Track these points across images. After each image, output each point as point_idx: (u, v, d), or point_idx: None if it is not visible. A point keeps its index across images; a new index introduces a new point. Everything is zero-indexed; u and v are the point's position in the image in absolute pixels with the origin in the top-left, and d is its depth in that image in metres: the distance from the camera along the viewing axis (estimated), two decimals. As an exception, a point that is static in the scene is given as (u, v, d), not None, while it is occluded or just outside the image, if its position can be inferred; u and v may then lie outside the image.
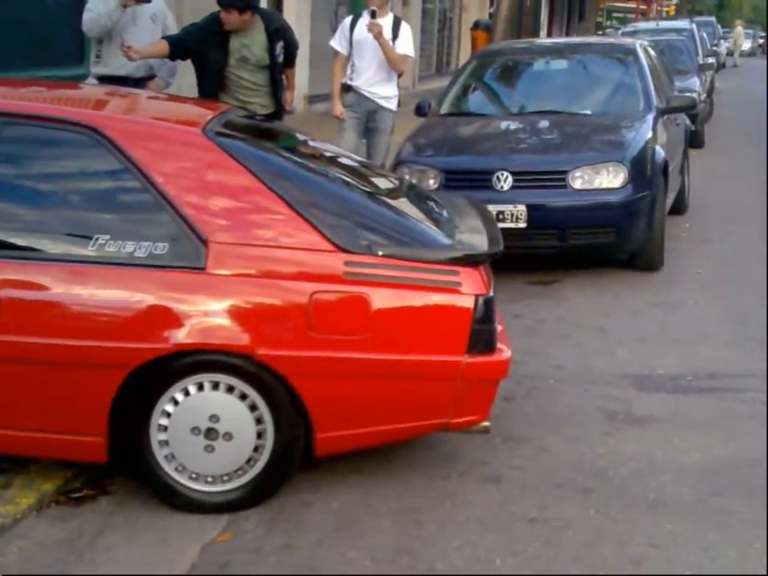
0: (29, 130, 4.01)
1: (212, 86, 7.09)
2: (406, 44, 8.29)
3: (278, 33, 7.28)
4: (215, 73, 7.08)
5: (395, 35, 8.20)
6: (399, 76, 8.50)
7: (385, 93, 8.32)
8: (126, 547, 3.71)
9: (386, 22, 8.17)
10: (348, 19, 8.61)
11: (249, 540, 3.78)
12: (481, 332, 3.89)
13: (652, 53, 9.86)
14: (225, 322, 3.77)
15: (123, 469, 4.05)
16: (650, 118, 8.17)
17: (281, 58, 7.27)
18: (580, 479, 4.26)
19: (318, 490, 4.11)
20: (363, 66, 8.27)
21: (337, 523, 3.90)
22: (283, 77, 7.43)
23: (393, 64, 8.21)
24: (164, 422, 3.87)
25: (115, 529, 3.83)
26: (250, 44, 7.12)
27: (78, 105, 4.61)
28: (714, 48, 24.64)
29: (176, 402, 3.86)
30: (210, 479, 3.93)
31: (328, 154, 4.85)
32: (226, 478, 3.94)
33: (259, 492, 3.97)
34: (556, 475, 4.30)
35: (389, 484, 4.19)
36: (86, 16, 7.07)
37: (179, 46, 7.06)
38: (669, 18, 37.90)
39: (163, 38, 7.18)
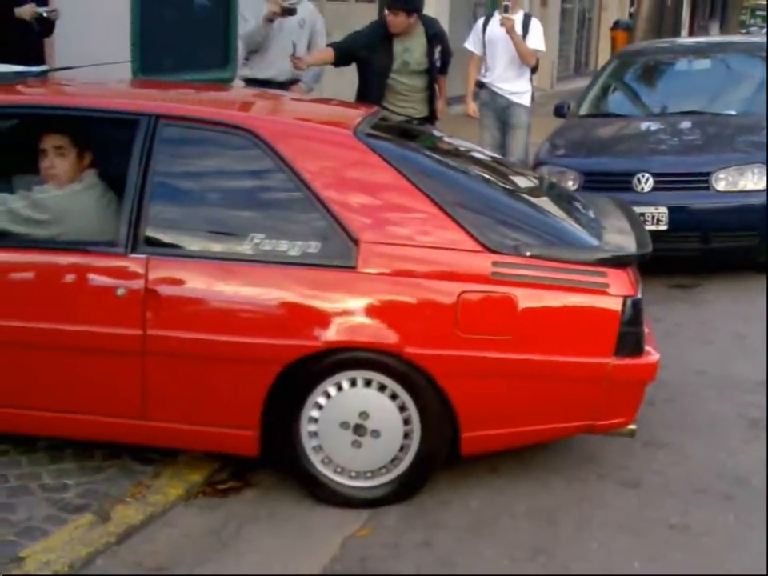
0: (187, 132, 4.11)
1: (377, 91, 7.23)
2: (537, 39, 8.38)
3: (437, 37, 7.47)
4: (380, 77, 7.24)
5: (525, 31, 8.31)
6: (533, 72, 8.58)
7: (515, 88, 8.42)
8: (269, 538, 3.81)
9: (516, 17, 8.30)
10: (480, 20, 8.83)
11: (388, 535, 3.83)
12: (629, 334, 3.87)
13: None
14: (374, 320, 3.83)
15: (268, 462, 4.15)
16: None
17: (438, 63, 7.45)
18: (721, 486, 4.21)
19: (457, 490, 4.14)
20: (495, 63, 8.43)
21: (475, 522, 3.92)
22: (435, 86, 7.56)
23: (524, 58, 8.29)
24: (315, 414, 3.95)
25: (259, 520, 3.93)
26: (411, 48, 7.29)
27: (234, 107, 4.73)
28: None
29: (328, 396, 3.94)
30: (353, 474, 4.00)
31: (469, 153, 4.88)
32: (369, 474, 4.00)
33: (401, 491, 4.02)
34: (697, 481, 4.25)
35: (526, 484, 4.20)
36: (243, 30, 7.36)
37: (345, 54, 7.26)
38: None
39: (329, 45, 7.41)
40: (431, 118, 7.52)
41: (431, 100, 7.50)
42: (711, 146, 7.67)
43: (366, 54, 7.23)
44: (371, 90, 7.25)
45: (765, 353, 5.79)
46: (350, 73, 7.70)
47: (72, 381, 4.03)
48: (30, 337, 3.99)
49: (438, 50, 7.43)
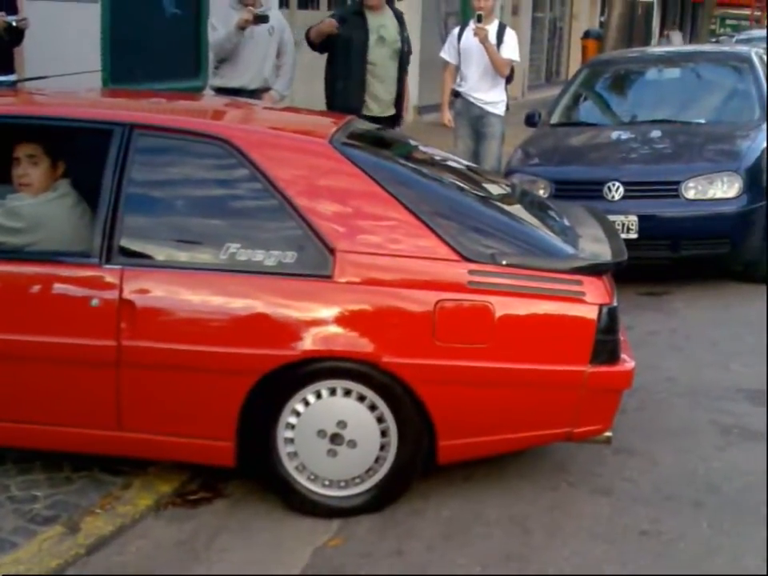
0: (162, 141, 4.09)
1: (360, 71, 7.39)
2: (512, 49, 8.43)
3: (403, 22, 7.72)
4: (360, 55, 7.39)
5: (500, 40, 8.36)
6: (508, 82, 8.61)
7: (490, 98, 8.46)
8: (241, 549, 3.80)
9: (491, 28, 8.34)
10: (456, 30, 8.88)
11: (360, 545, 3.83)
12: (605, 342, 3.88)
13: (768, 61, 9.68)
14: (351, 329, 3.83)
15: (239, 472, 4.13)
16: (766, 126, 8.02)
17: (406, 47, 7.63)
18: (692, 493, 4.22)
19: (429, 498, 4.14)
20: (469, 73, 8.48)
21: (447, 530, 3.92)
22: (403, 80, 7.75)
23: (497, 68, 8.35)
24: (292, 420, 3.94)
25: (230, 531, 3.91)
26: (385, 24, 7.52)
27: (208, 117, 4.72)
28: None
29: (307, 403, 3.93)
30: (327, 483, 4.00)
31: (444, 162, 4.89)
32: (343, 483, 4.00)
33: (374, 502, 4.02)
34: (668, 488, 4.26)
35: (498, 493, 4.21)
36: (212, 39, 7.36)
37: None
38: (785, 24, 36.97)
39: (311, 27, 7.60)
40: (396, 117, 7.61)
41: (398, 97, 7.62)
42: (681, 154, 7.72)
43: (344, 30, 7.34)
44: (353, 72, 7.38)
45: (738, 360, 5.83)
46: (321, 82, 7.72)
47: (45, 392, 4.00)
48: (1, 348, 3.96)
49: (405, 33, 7.66)
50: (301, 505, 4.01)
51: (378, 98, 7.51)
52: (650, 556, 3.74)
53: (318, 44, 7.51)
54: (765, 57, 9.62)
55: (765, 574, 3.58)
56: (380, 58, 7.45)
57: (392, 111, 7.62)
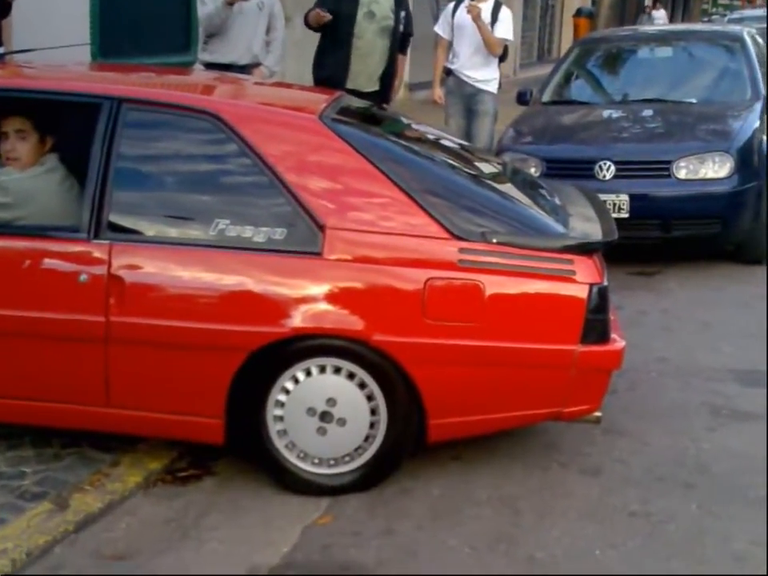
0: (151, 116, 4.05)
1: (345, 43, 7.27)
2: (506, 28, 8.34)
3: (401, 2, 7.51)
4: (347, 28, 7.25)
5: (494, 19, 8.26)
6: (501, 60, 8.53)
7: (482, 76, 8.39)
8: (229, 527, 3.79)
9: (486, 6, 8.25)
10: (451, 5, 8.74)
11: (349, 524, 3.82)
12: (595, 321, 3.87)
13: (760, 41, 9.65)
14: (341, 307, 3.81)
15: (228, 450, 4.12)
16: (758, 106, 8.01)
17: (401, 28, 7.46)
18: (682, 474, 4.22)
19: (419, 477, 4.13)
20: (462, 50, 8.40)
21: (437, 510, 3.92)
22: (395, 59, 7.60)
23: (489, 47, 8.27)
24: (282, 398, 3.93)
25: (219, 509, 3.90)
26: (378, 0, 7.33)
27: (198, 91, 4.67)
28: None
29: (296, 381, 3.92)
30: (316, 461, 3.99)
31: (436, 139, 4.86)
32: (332, 462, 3.99)
33: (363, 480, 4.01)
34: (658, 469, 4.26)
35: (488, 472, 4.20)
36: (201, 13, 7.28)
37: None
38: (777, 4, 36.88)
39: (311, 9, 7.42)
40: (385, 94, 7.51)
41: (387, 75, 7.50)
42: (672, 134, 7.70)
43: (335, 5, 7.23)
44: (338, 44, 7.27)
45: (728, 341, 5.83)
46: (311, 57, 7.66)
47: (34, 368, 3.98)
48: (-11, 323, 3.93)
49: (402, 14, 7.48)
50: (290, 483, 4.00)
51: (357, 72, 7.36)
52: (640, 537, 3.74)
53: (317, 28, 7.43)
54: (757, 37, 9.61)
55: (765, 574, 3.57)
56: (365, 33, 7.31)
57: (374, 87, 7.45)
